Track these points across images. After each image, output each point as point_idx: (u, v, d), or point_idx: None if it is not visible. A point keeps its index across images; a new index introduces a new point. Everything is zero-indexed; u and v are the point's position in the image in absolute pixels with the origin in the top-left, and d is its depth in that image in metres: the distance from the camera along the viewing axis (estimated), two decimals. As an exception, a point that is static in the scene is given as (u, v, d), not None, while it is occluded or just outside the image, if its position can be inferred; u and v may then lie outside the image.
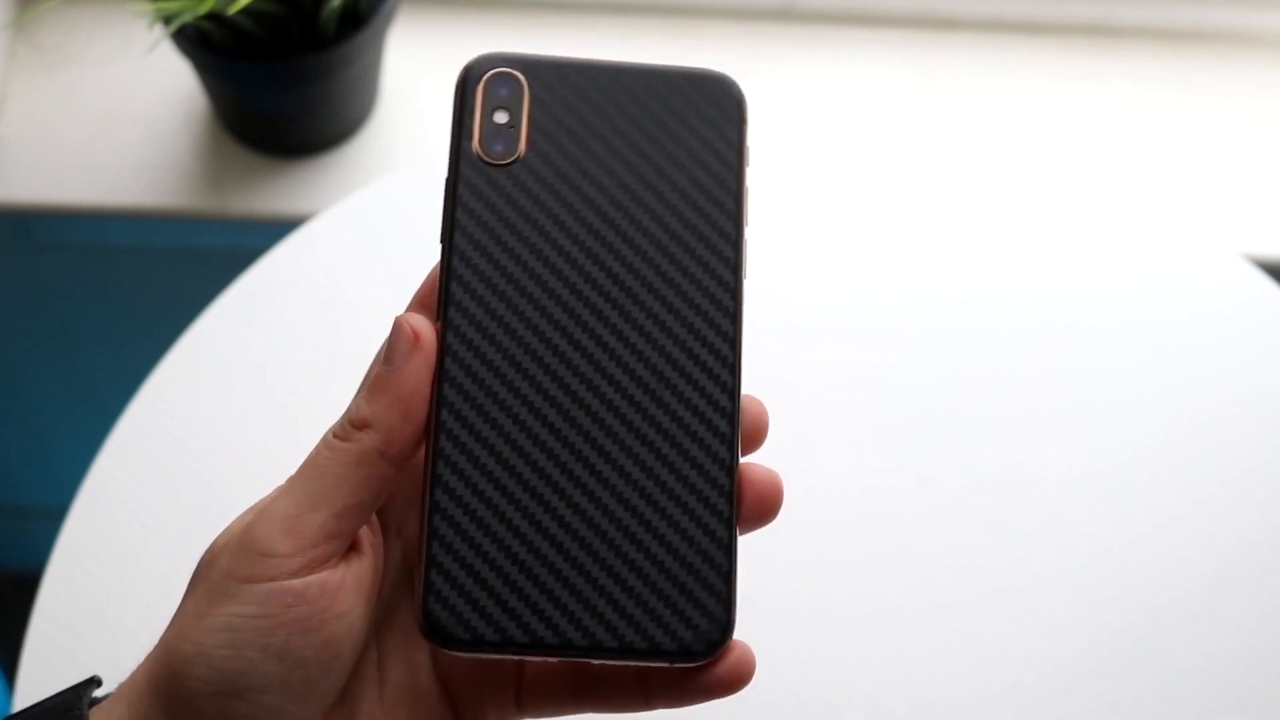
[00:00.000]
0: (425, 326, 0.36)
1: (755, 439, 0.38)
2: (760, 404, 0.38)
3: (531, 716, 0.38)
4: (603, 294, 0.37)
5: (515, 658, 0.35)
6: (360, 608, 0.36)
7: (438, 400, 0.36)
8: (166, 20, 0.74)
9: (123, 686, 0.37)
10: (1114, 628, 0.65)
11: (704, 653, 0.35)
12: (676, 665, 0.36)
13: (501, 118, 0.37)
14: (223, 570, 0.35)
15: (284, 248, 0.73)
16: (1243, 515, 0.68)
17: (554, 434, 0.36)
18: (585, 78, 0.38)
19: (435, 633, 0.35)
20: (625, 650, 0.35)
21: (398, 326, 0.36)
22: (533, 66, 0.38)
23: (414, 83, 0.92)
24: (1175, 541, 0.67)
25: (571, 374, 0.36)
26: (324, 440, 0.36)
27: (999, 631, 0.64)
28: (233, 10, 0.72)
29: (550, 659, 0.35)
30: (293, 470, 0.38)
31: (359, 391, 0.39)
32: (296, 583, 0.34)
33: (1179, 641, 0.65)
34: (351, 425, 0.35)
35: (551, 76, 0.38)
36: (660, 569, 0.35)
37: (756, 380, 0.39)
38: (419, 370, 0.36)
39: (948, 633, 0.64)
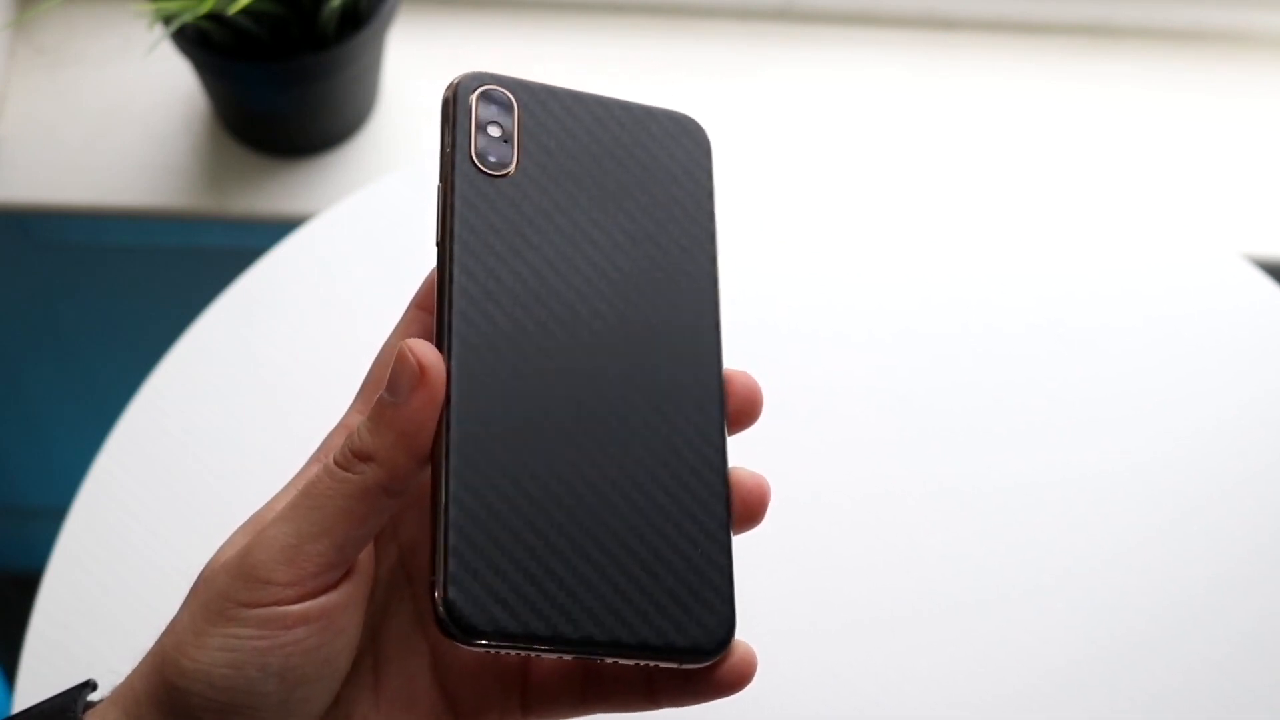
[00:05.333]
0: (431, 356, 0.35)
1: (751, 413, 0.39)
2: (749, 376, 0.39)
3: (537, 719, 0.38)
4: (595, 311, 0.38)
5: (533, 653, 0.35)
6: (356, 619, 0.36)
7: (448, 404, 0.35)
8: (166, 20, 0.74)
9: (118, 692, 0.37)
10: (1115, 633, 0.65)
11: (713, 651, 0.36)
12: (685, 666, 0.36)
13: (495, 130, 0.38)
14: (220, 591, 0.34)
15: (284, 248, 0.73)
16: (1246, 516, 0.68)
17: (563, 440, 0.36)
18: (567, 104, 0.40)
19: (456, 623, 0.34)
20: (641, 647, 0.36)
21: (401, 357, 0.35)
22: (520, 87, 0.39)
23: (414, 83, 0.92)
24: (1178, 543, 0.67)
25: (575, 382, 0.37)
26: (326, 467, 0.35)
27: (1004, 636, 0.64)
28: (233, 10, 0.72)
29: (567, 655, 0.35)
30: (293, 471, 0.38)
31: (355, 401, 0.39)
32: (296, 608, 0.34)
33: (1185, 644, 0.65)
34: (354, 455, 0.35)
35: (536, 99, 0.40)
36: (669, 570, 0.36)
37: (761, 384, 0.40)
38: (424, 406, 0.35)
39: (952, 637, 0.64)
